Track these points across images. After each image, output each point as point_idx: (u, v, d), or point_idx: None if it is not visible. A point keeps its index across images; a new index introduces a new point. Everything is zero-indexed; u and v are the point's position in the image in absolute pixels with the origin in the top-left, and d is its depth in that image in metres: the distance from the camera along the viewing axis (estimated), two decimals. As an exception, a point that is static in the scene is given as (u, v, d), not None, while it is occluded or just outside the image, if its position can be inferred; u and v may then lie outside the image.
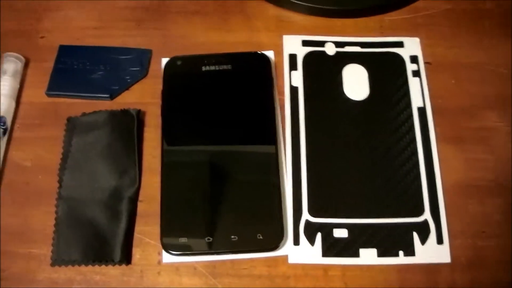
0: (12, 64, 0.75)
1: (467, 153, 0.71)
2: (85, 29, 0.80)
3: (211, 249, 0.63)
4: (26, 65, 0.77)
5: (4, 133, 0.71)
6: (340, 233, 0.66)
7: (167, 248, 0.64)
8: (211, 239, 0.63)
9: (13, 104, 0.73)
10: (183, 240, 0.64)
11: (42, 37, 0.80)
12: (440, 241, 0.65)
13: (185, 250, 0.64)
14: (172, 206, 0.66)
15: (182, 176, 0.68)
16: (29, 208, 0.68)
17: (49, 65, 0.77)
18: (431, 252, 0.65)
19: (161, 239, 0.64)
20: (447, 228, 0.66)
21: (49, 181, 0.69)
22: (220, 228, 0.64)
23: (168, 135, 0.70)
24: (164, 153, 0.69)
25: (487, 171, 0.70)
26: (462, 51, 0.78)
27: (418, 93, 0.74)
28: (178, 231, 0.64)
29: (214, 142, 0.70)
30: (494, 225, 0.67)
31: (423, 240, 0.65)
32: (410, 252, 0.65)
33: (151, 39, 0.79)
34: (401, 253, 0.65)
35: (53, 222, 0.66)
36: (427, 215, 0.66)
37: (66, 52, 0.78)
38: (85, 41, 0.79)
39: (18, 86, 0.75)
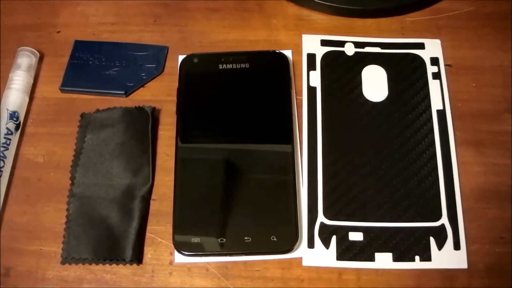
0: (26, 59, 0.74)
1: (487, 157, 0.69)
2: (102, 24, 0.80)
3: (224, 250, 0.63)
4: (40, 60, 0.77)
5: (17, 129, 0.70)
6: (356, 236, 0.65)
7: (179, 248, 0.63)
8: (224, 239, 0.63)
9: (26, 99, 0.73)
10: (195, 240, 0.63)
11: (58, 32, 0.79)
12: (457, 246, 0.64)
13: (198, 250, 0.63)
14: (185, 205, 0.65)
15: (196, 175, 0.67)
16: (40, 205, 0.67)
17: (64, 60, 0.76)
18: (448, 257, 0.64)
19: (173, 238, 0.63)
20: (464, 233, 0.65)
21: (61, 178, 0.68)
22: (233, 228, 0.63)
23: (183, 133, 0.69)
24: (178, 151, 0.68)
25: (507, 176, 0.68)
26: (484, 53, 0.76)
27: (438, 96, 0.73)
28: (190, 231, 0.64)
29: (229, 141, 0.69)
30: (513, 231, 0.65)
31: (440, 245, 0.64)
32: (426, 257, 0.64)
33: (168, 36, 0.79)
34: (417, 258, 0.64)
35: (64, 219, 0.66)
36: (444, 220, 0.65)
37: (81, 48, 0.77)
38: (101, 37, 0.79)
39: (32, 81, 0.75)
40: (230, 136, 0.70)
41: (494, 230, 0.66)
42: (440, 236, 0.65)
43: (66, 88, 0.74)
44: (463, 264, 0.63)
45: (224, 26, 0.79)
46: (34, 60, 0.75)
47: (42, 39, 0.79)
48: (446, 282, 0.63)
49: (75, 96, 0.74)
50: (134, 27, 0.79)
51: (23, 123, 0.72)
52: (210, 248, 0.63)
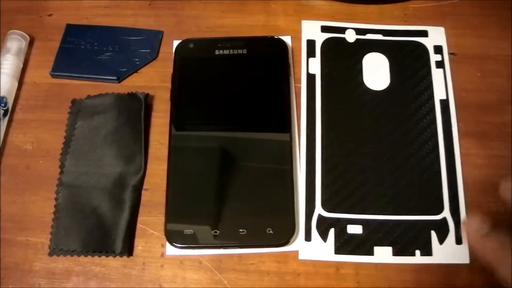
0: (16, 43, 0.73)
1: (491, 149, 0.68)
2: (95, 7, 0.78)
3: (218, 242, 0.61)
4: (31, 44, 0.75)
5: (5, 115, 0.69)
6: (354, 229, 0.64)
7: (171, 239, 0.62)
8: (218, 231, 0.61)
9: (16, 84, 0.71)
10: (188, 231, 0.61)
11: (50, 15, 0.78)
12: (459, 241, 0.63)
13: (190, 242, 0.61)
14: (178, 195, 0.64)
15: (190, 164, 0.66)
16: (28, 194, 0.66)
17: (56, 44, 0.75)
18: (449, 252, 0.63)
19: (165, 230, 0.62)
20: None
21: (51, 166, 0.67)
22: (228, 220, 0.62)
23: (177, 121, 0.68)
24: (171, 139, 0.67)
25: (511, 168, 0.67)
26: (489, 42, 0.75)
27: (441, 85, 0.71)
28: (183, 222, 0.62)
29: (225, 129, 0.68)
30: (517, 226, 0.64)
31: (441, 240, 0.63)
32: (427, 251, 0.62)
33: (164, 20, 0.77)
34: (417, 252, 0.62)
35: (53, 209, 0.64)
36: (446, 213, 0.64)
37: (73, 32, 0.76)
38: (94, 21, 0.77)
39: (22, 65, 0.73)
40: (226, 124, 0.68)
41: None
42: (441, 230, 0.63)
43: (57, 73, 0.73)
44: (465, 259, 0.62)
45: (221, 11, 0.78)
46: (24, 44, 0.74)
47: (33, 22, 0.77)
48: (447, 278, 0.62)
49: (66, 81, 0.73)
50: (128, 10, 0.78)
51: (11, 109, 0.70)
52: (204, 240, 0.61)
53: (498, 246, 0.46)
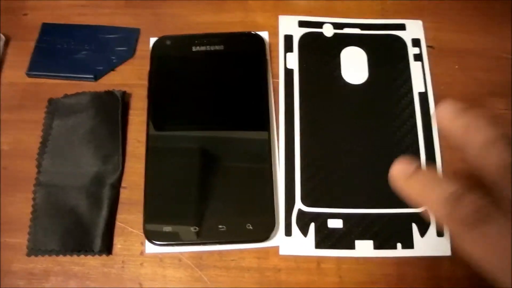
0: (-9, 43, 0.72)
1: (472, 142, 0.67)
2: (71, 6, 0.78)
3: (198, 239, 0.61)
4: (6, 44, 0.75)
5: (-19, 115, 0.68)
6: (335, 223, 0.63)
7: (150, 237, 0.61)
8: (197, 228, 0.61)
9: (-9, 85, 0.70)
10: (167, 229, 0.61)
11: (25, 14, 0.77)
12: (440, 233, 0.63)
13: (170, 239, 0.61)
14: (156, 192, 0.64)
15: (168, 162, 0.66)
16: (5, 194, 0.66)
17: (32, 44, 0.74)
18: (431, 244, 0.63)
19: (144, 227, 0.62)
20: None
21: (28, 166, 0.66)
22: (207, 217, 0.62)
23: (154, 119, 0.67)
24: (149, 137, 0.66)
25: None
26: (467, 35, 0.75)
27: (419, 78, 0.72)
28: (162, 219, 0.62)
29: (203, 127, 0.68)
30: (499, 218, 0.63)
31: (423, 232, 0.63)
32: (408, 244, 0.62)
33: (141, 18, 0.77)
34: (399, 245, 0.62)
35: (31, 209, 0.64)
36: None
37: (49, 31, 0.75)
38: (71, 19, 0.76)
39: (-3, 66, 0.72)
40: (204, 122, 0.68)
41: (480, 216, 0.64)
42: (422, 222, 0.63)
43: (33, 73, 0.72)
44: (447, 252, 0.62)
45: (199, 8, 0.77)
46: (-1, 44, 0.73)
47: (8, 22, 0.76)
48: (429, 270, 0.62)
49: (42, 81, 0.72)
50: (105, 9, 0.77)
51: (-13, 109, 0.70)
52: (183, 237, 0.61)
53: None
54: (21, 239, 0.63)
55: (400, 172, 0.41)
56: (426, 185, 0.39)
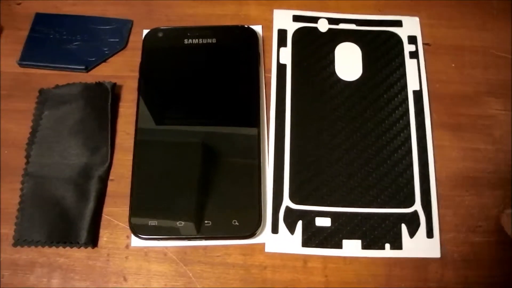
0: (-17, 31, 0.72)
1: (465, 142, 0.68)
2: (64, -4, 0.77)
3: (183, 234, 0.61)
4: (-2, 33, 0.74)
5: (-30, 104, 0.68)
6: (323, 222, 0.63)
7: (136, 231, 0.61)
8: (183, 223, 0.61)
9: (-19, 74, 0.70)
10: (153, 223, 0.61)
11: (18, 4, 0.77)
12: (430, 234, 0.63)
13: (155, 233, 0.61)
14: (143, 186, 0.63)
15: (155, 156, 0.65)
16: (-7, 184, 0.65)
17: (24, 33, 0.74)
18: (420, 246, 0.62)
19: (129, 221, 0.61)
20: (438, 221, 0.63)
21: (16, 156, 0.66)
22: (193, 211, 0.61)
23: (143, 111, 0.67)
24: (137, 130, 0.66)
25: (486, 162, 0.67)
26: (464, 33, 0.75)
27: (414, 76, 0.71)
28: (148, 213, 0.62)
29: (193, 121, 0.67)
30: (491, 220, 0.64)
31: (412, 233, 0.63)
32: (397, 245, 0.62)
33: (134, 9, 0.76)
34: (387, 246, 0.62)
35: (18, 200, 0.63)
36: (417, 207, 0.64)
37: (42, 20, 0.75)
38: (64, 10, 0.76)
39: (-12, 55, 0.72)
40: (193, 116, 0.68)
41: (471, 218, 0.64)
42: (412, 223, 0.63)
43: (25, 63, 0.72)
44: (436, 253, 0.62)
45: (193, 0, 0.77)
46: (-9, 33, 0.73)
47: (2, 11, 0.76)
48: (418, 272, 0.62)
49: (33, 70, 0.72)
50: (99, 0, 0.77)
51: (-23, 98, 0.69)
52: (168, 231, 0.61)
53: None
54: (8, 230, 0.62)
55: None
56: None
